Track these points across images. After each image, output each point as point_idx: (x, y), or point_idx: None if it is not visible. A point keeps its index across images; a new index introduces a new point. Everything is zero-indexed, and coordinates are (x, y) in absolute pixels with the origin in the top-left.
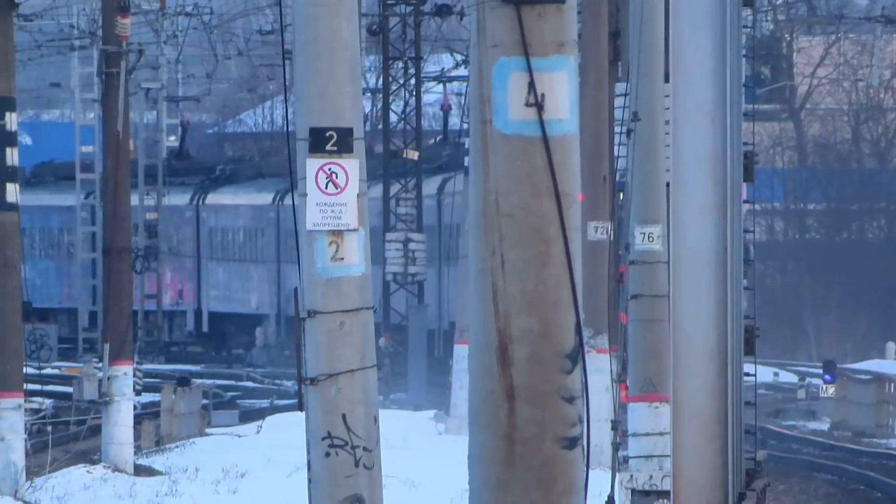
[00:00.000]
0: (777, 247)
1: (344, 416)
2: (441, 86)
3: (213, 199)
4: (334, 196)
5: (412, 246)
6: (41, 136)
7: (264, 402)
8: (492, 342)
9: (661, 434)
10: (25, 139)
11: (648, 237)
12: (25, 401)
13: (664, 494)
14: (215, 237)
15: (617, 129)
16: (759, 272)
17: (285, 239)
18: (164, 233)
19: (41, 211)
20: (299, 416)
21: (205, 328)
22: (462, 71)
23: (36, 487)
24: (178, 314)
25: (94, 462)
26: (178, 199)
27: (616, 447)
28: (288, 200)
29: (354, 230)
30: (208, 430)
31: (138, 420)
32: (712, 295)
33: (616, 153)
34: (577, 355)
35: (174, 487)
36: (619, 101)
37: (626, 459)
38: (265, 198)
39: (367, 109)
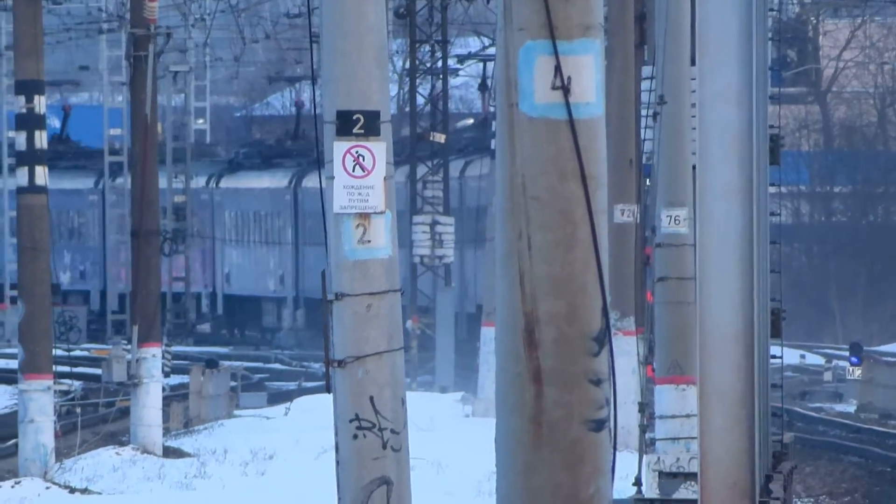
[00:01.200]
0: (803, 229)
1: (371, 399)
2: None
3: (227, 182)
4: (361, 179)
5: (439, 228)
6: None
7: (292, 385)
8: (518, 325)
9: (687, 416)
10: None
11: (675, 220)
12: (55, 383)
13: (691, 476)
14: (231, 220)
15: (643, 111)
16: (786, 255)
17: (303, 221)
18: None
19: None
20: (327, 399)
21: (220, 310)
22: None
23: (65, 469)
24: (193, 296)
25: (122, 444)
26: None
27: (643, 429)
28: (304, 183)
29: (381, 213)
30: (236, 412)
31: (167, 402)
32: (738, 277)
33: (642, 136)
34: (603, 338)
35: (203, 469)
36: (645, 84)
37: (652, 441)
38: (281, 181)
39: (394, 92)
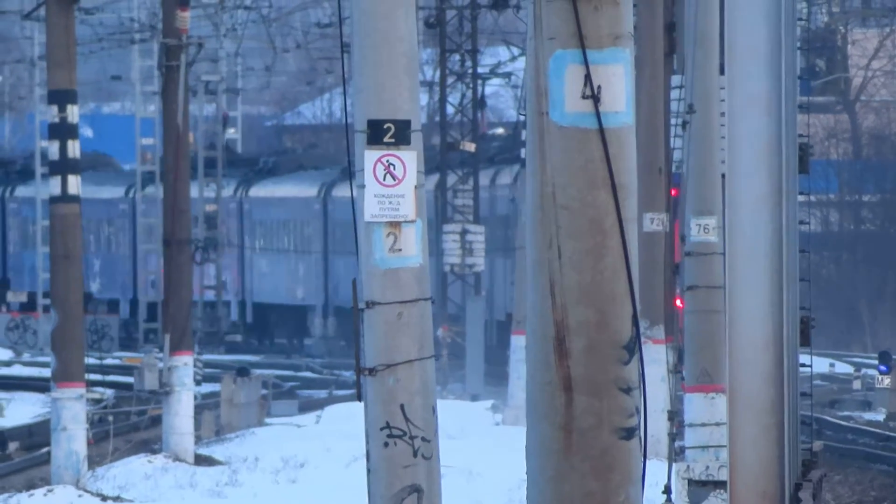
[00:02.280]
0: (832, 238)
1: (402, 407)
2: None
3: (256, 191)
4: (392, 187)
5: (469, 237)
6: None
7: (323, 393)
8: (549, 333)
9: (717, 424)
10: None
11: (704, 228)
12: (87, 391)
13: (721, 484)
14: (260, 228)
15: (672, 120)
16: (815, 263)
17: (332, 230)
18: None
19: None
20: (358, 407)
21: (249, 318)
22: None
23: (97, 476)
24: (223, 304)
25: (154, 451)
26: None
27: (672, 437)
28: (334, 192)
29: (412, 221)
30: (267, 420)
31: (198, 410)
32: (768, 286)
33: (672, 145)
34: (633, 346)
35: (234, 477)
36: (674, 93)
37: (682, 450)
38: (310, 190)
39: (425, 102)
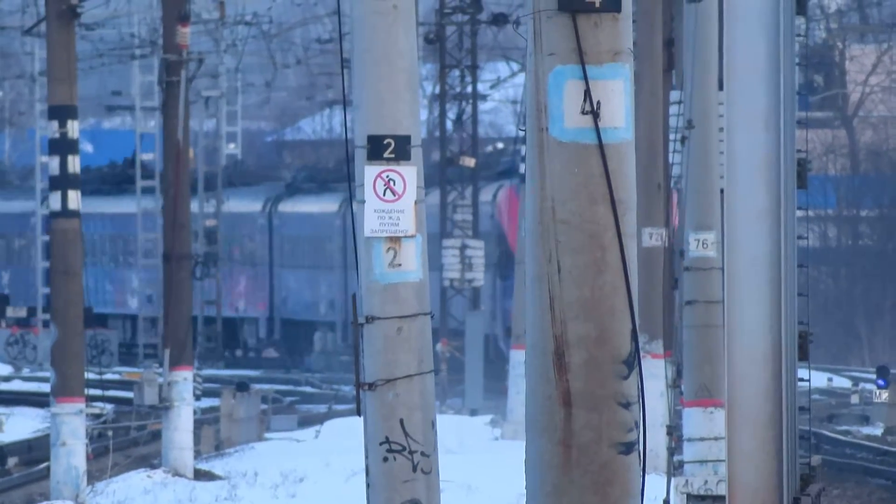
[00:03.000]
0: (830, 253)
1: (402, 421)
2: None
3: (284, 206)
4: (392, 203)
5: (469, 252)
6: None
7: (322, 407)
8: (548, 348)
9: (715, 439)
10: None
11: (703, 244)
12: (86, 406)
13: (719, 499)
14: (286, 244)
15: (671, 136)
16: (813, 278)
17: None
18: (238, 239)
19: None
20: (357, 421)
21: (276, 335)
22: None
23: (97, 492)
24: (249, 321)
25: (154, 466)
26: (250, 206)
27: (671, 452)
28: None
29: (412, 236)
30: (267, 435)
31: (198, 425)
32: (766, 301)
33: (671, 160)
34: (633, 361)
35: (233, 492)
36: (673, 109)
37: (681, 464)
38: (332, 205)
39: (424, 117)
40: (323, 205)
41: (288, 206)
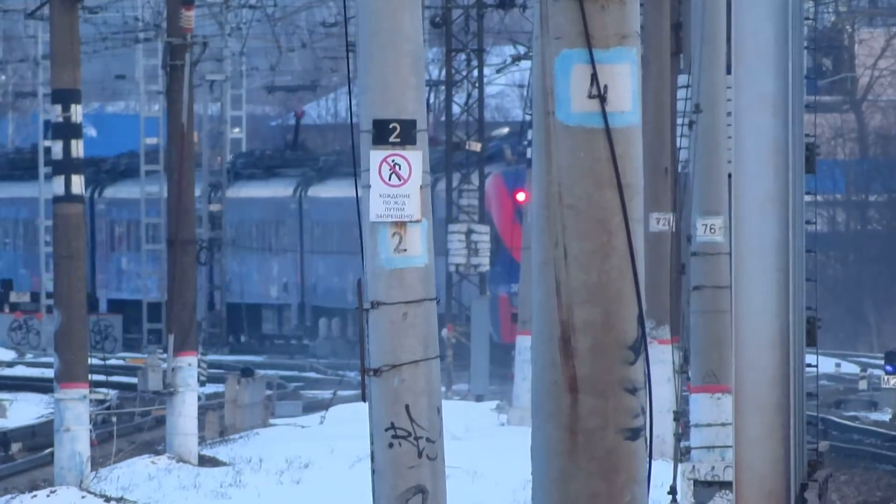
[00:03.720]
0: (838, 238)
1: (407, 407)
2: (503, 77)
3: (314, 191)
4: (397, 187)
5: (474, 237)
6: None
7: (327, 393)
8: (554, 333)
9: (723, 425)
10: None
11: (710, 228)
12: (90, 391)
13: (726, 485)
14: (316, 230)
15: (679, 120)
16: (821, 263)
17: None
18: (267, 225)
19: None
20: (362, 407)
21: (308, 322)
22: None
23: (101, 478)
24: (284, 307)
25: (158, 452)
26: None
27: (678, 438)
28: None
29: (417, 221)
30: (272, 421)
31: (202, 411)
32: (774, 286)
33: (678, 144)
34: (639, 346)
35: (238, 478)
36: (681, 93)
37: (687, 450)
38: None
39: (430, 101)
40: (350, 189)
41: (319, 191)
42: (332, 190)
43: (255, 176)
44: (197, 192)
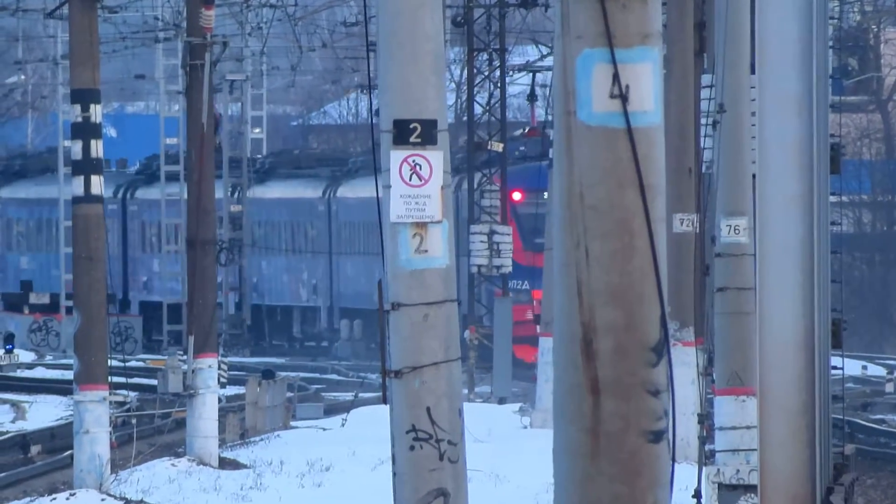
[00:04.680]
0: (864, 239)
1: (428, 409)
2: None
3: (344, 192)
4: (418, 188)
5: (497, 238)
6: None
7: (349, 395)
8: (576, 335)
9: (747, 427)
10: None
11: (734, 229)
12: (110, 393)
13: (751, 488)
14: (344, 231)
15: (702, 120)
16: (847, 264)
17: None
18: (295, 227)
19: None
20: (384, 409)
21: (336, 325)
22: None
23: (121, 480)
24: (310, 310)
25: (178, 455)
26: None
27: (702, 441)
28: None
29: (438, 222)
30: (293, 423)
31: (223, 413)
32: (798, 287)
33: (702, 145)
34: (662, 348)
35: (259, 480)
36: (704, 93)
37: (712, 453)
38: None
39: (452, 101)
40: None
41: (347, 192)
42: (360, 191)
43: (280, 176)
44: (218, 194)
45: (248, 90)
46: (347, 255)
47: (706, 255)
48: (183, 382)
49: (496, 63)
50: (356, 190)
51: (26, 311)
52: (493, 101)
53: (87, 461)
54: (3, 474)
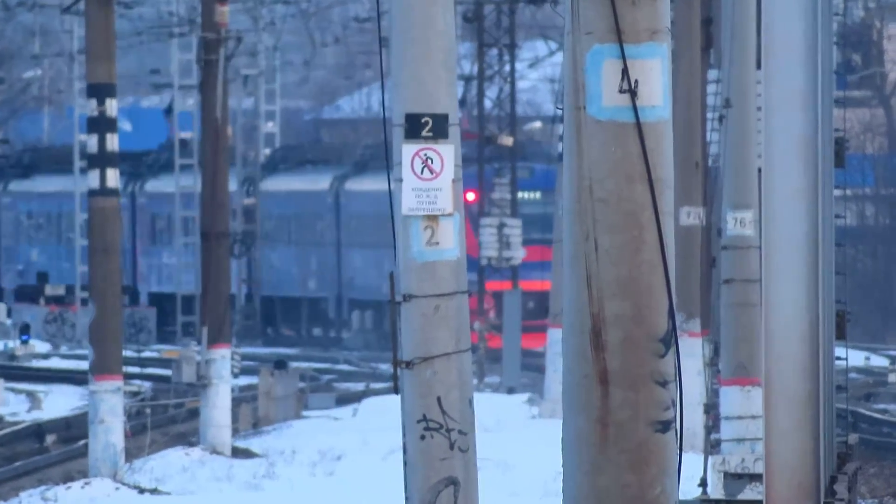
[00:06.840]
0: (868, 231)
1: (439, 399)
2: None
3: (351, 185)
4: (430, 181)
5: (507, 230)
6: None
7: (360, 385)
8: (585, 326)
9: (753, 417)
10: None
11: (740, 222)
12: (125, 383)
13: (756, 477)
14: (353, 223)
15: (709, 115)
16: (851, 257)
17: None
18: (304, 219)
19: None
20: (395, 399)
21: (346, 315)
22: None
23: (135, 469)
24: (320, 301)
25: (192, 444)
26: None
27: (708, 430)
28: None
29: (449, 215)
30: (305, 413)
31: (236, 403)
32: (804, 279)
33: (708, 139)
34: (670, 339)
35: (271, 469)
36: (711, 88)
37: (718, 443)
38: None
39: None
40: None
41: (355, 185)
42: (370, 184)
43: (291, 169)
44: (232, 187)
45: (262, 85)
46: (357, 247)
47: (712, 248)
48: (196, 372)
49: (506, 58)
50: (365, 183)
51: (42, 302)
52: (503, 96)
53: (102, 450)
54: (18, 463)
